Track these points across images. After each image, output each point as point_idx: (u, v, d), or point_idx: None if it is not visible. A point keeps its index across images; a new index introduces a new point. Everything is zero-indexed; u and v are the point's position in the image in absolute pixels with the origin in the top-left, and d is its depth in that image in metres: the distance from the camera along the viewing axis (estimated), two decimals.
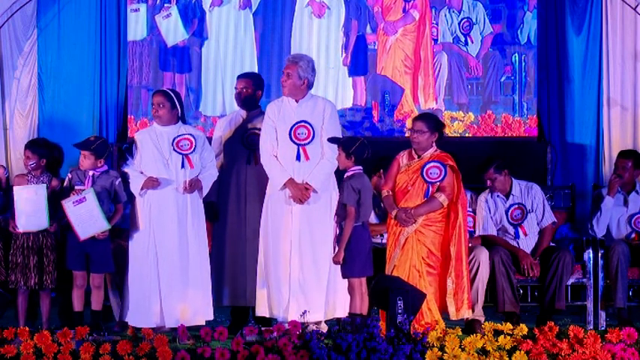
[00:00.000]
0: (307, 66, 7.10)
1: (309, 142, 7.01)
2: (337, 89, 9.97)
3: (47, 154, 7.20)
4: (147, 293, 6.95)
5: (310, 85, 7.15)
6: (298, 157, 7.01)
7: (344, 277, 6.70)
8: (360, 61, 9.96)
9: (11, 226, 7.06)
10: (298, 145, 7.01)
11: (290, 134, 7.02)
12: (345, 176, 6.76)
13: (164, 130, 7.08)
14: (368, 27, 9.95)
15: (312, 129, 7.01)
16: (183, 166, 7.01)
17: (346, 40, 9.96)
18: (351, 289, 6.70)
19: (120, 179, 7.08)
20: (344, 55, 9.95)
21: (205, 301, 7.05)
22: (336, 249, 6.66)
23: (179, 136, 7.04)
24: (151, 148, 7.03)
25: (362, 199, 6.67)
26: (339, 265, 6.66)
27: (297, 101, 7.11)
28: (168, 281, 6.94)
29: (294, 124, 7.02)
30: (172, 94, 7.15)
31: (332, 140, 6.89)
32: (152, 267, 6.96)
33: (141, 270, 6.98)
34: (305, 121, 7.02)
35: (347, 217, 6.64)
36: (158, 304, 6.94)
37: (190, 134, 7.07)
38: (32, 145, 7.23)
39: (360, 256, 6.67)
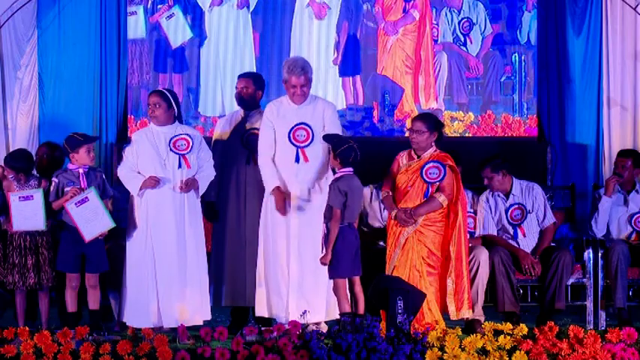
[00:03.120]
0: (311, 69, 7.11)
1: (308, 144, 7.01)
2: (337, 89, 9.97)
3: (24, 167, 7.11)
4: (144, 293, 6.94)
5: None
6: (297, 159, 7.01)
7: (330, 277, 6.70)
8: (351, 61, 9.95)
9: (7, 226, 7.07)
10: (297, 147, 7.01)
11: (289, 136, 7.01)
12: (333, 178, 6.76)
13: (161, 130, 7.08)
14: (367, 27, 9.94)
15: (312, 131, 7.00)
16: (180, 166, 7.00)
17: (337, 40, 9.95)
18: (335, 290, 6.69)
19: (103, 174, 7.12)
20: (335, 55, 9.94)
21: (203, 301, 7.06)
22: (324, 250, 6.67)
23: (176, 136, 7.04)
24: (148, 149, 7.03)
25: (349, 200, 6.67)
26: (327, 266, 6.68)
27: (298, 103, 7.10)
28: (166, 281, 6.94)
29: (294, 126, 7.02)
30: (168, 94, 7.13)
31: (326, 138, 6.88)
32: (150, 267, 6.95)
33: (138, 270, 6.98)
34: (304, 123, 7.02)
35: (333, 218, 6.65)
36: (156, 304, 6.94)
37: (187, 134, 7.06)
38: (6, 161, 7.20)
39: (346, 256, 6.66)
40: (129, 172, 7.02)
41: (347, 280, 6.70)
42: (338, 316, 6.87)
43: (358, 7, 9.92)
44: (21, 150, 7.49)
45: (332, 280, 6.72)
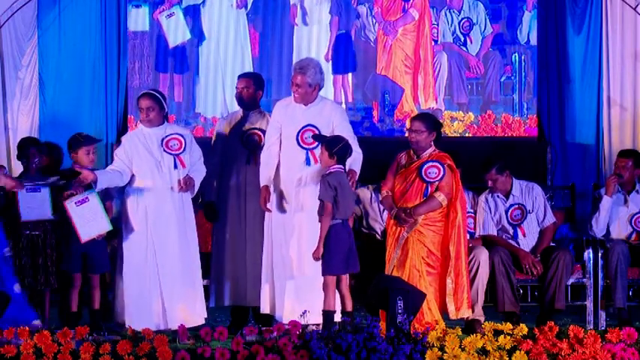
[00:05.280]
0: (315, 72, 7.02)
1: (317, 146, 6.97)
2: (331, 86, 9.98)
3: (46, 151, 7.24)
4: (147, 295, 6.94)
5: (321, 88, 7.11)
6: (308, 162, 6.99)
7: (322, 274, 6.69)
8: (343, 58, 9.95)
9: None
10: (306, 149, 6.99)
11: (297, 139, 7.00)
12: (323, 173, 6.75)
13: (152, 131, 7.05)
14: (367, 26, 9.94)
15: (319, 132, 6.98)
16: (175, 166, 6.99)
17: (329, 37, 9.96)
18: (324, 286, 6.69)
19: None
20: (326, 51, 9.94)
21: (202, 300, 7.08)
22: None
23: (167, 136, 7.02)
24: (142, 152, 7.00)
25: (339, 196, 6.66)
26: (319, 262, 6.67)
27: (305, 104, 7.08)
28: (170, 281, 6.94)
29: (301, 129, 6.99)
30: (159, 96, 7.12)
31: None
32: (152, 268, 6.94)
33: (139, 272, 6.96)
34: (311, 125, 6.99)
35: (324, 212, 6.65)
36: (160, 305, 6.94)
37: (178, 134, 7.05)
38: (32, 145, 7.26)
39: (338, 254, 6.65)
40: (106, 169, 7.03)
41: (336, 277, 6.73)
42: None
43: (348, 4, 9.91)
44: (33, 137, 7.87)
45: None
